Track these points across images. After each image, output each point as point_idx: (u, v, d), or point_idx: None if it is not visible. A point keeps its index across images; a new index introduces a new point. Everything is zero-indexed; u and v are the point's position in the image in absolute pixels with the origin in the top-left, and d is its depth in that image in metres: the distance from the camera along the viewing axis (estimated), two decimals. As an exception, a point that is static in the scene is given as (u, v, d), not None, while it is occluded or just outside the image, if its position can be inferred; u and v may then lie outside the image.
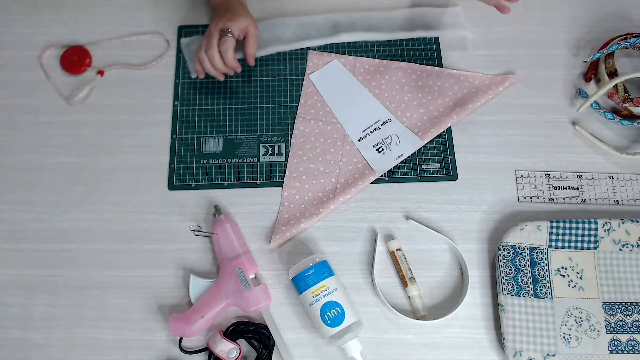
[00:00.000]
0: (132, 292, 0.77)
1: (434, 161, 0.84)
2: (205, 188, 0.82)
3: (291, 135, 0.86)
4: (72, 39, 0.92)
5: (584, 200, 0.82)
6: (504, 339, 0.72)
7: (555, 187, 0.82)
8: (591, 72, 0.88)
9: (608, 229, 0.77)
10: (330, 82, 0.89)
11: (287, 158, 0.84)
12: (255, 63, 0.90)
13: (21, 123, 0.87)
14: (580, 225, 0.77)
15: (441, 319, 0.74)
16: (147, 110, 0.87)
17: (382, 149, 0.84)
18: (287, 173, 0.83)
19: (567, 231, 0.77)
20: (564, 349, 0.72)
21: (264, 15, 0.93)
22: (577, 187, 0.82)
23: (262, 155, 0.85)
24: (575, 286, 0.75)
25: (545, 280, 0.75)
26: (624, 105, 0.84)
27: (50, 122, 0.87)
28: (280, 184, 0.82)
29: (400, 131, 0.85)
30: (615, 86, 0.85)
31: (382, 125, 0.85)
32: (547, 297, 0.75)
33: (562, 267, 0.76)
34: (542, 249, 0.77)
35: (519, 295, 0.74)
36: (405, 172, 0.83)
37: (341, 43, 0.92)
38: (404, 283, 0.76)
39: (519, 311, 0.74)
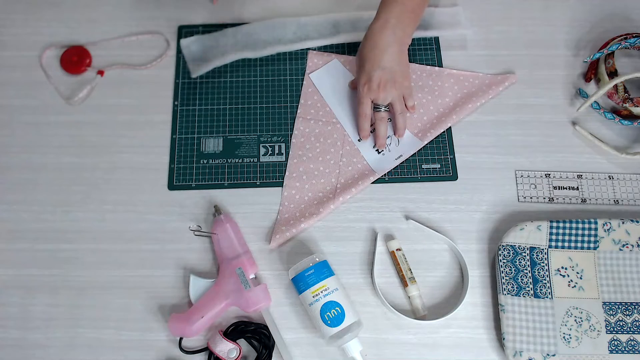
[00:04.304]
0: (132, 292, 0.77)
1: (434, 161, 0.84)
2: (205, 188, 0.82)
3: (291, 135, 0.86)
4: (72, 39, 0.92)
5: (584, 200, 0.82)
6: (504, 339, 0.72)
7: (555, 187, 0.82)
8: (591, 72, 0.88)
9: (608, 229, 0.77)
10: (330, 81, 0.89)
11: (287, 158, 0.84)
12: (256, 63, 0.90)
13: (21, 123, 0.87)
14: (580, 225, 0.77)
15: (441, 319, 0.74)
16: (147, 110, 0.87)
17: (382, 150, 0.84)
18: (287, 173, 0.83)
19: (567, 231, 0.77)
20: (564, 349, 0.72)
21: (264, 16, 0.93)
22: (577, 187, 0.82)
23: (262, 155, 0.85)
24: (575, 286, 0.75)
25: (545, 280, 0.75)
26: (624, 105, 0.84)
27: (50, 122, 0.87)
28: (280, 184, 0.82)
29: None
30: (615, 86, 0.85)
31: (382, 125, 0.86)
32: (547, 297, 0.75)
33: (562, 267, 0.76)
34: (542, 249, 0.77)
35: (519, 295, 0.74)
36: (405, 172, 0.83)
37: (341, 43, 0.92)
38: (404, 283, 0.76)
39: (519, 311, 0.74)
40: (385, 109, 0.82)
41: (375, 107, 0.82)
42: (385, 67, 0.79)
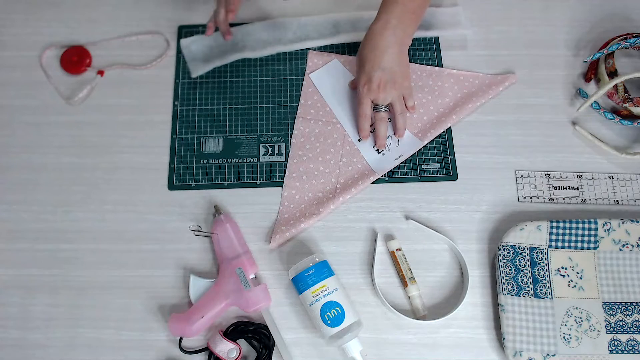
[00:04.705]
0: (132, 292, 0.77)
1: (434, 161, 0.84)
2: (205, 188, 0.82)
3: (291, 135, 0.86)
4: (72, 39, 0.92)
5: (584, 200, 0.82)
6: (504, 339, 0.72)
7: (555, 187, 0.82)
8: (591, 72, 0.88)
9: (608, 229, 0.77)
10: (330, 81, 0.89)
11: (287, 158, 0.84)
12: (256, 63, 0.90)
13: (21, 123, 0.87)
14: (580, 225, 0.77)
15: (441, 319, 0.74)
16: (147, 110, 0.87)
17: (382, 150, 0.84)
18: (287, 173, 0.83)
19: (567, 231, 0.77)
20: (564, 349, 0.72)
21: (264, 16, 0.93)
22: (577, 187, 0.82)
23: (262, 155, 0.85)
24: (575, 286, 0.75)
25: (545, 280, 0.75)
26: (624, 105, 0.84)
27: (50, 122, 0.87)
28: (280, 184, 0.82)
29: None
30: (615, 86, 0.85)
31: (381, 125, 0.86)
32: (547, 297, 0.75)
33: (562, 267, 0.76)
34: (542, 249, 0.77)
35: (519, 295, 0.74)
36: (405, 172, 0.83)
37: (341, 43, 0.92)
38: (404, 283, 0.76)
39: (519, 311, 0.74)
40: (385, 109, 0.82)
41: (375, 108, 0.82)
42: (385, 68, 0.79)
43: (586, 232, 0.77)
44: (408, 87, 0.83)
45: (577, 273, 0.76)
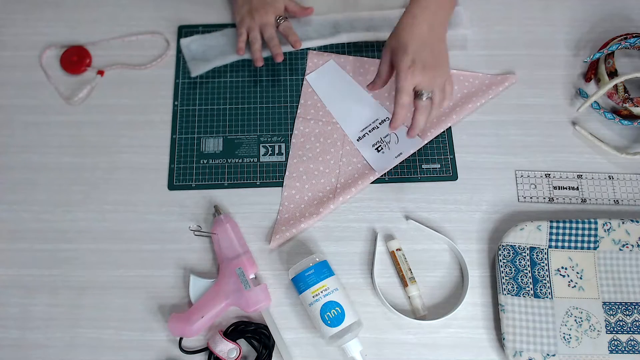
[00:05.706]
0: (132, 292, 0.77)
1: (434, 161, 0.84)
2: (205, 188, 0.82)
3: (291, 135, 0.86)
4: (72, 39, 0.92)
5: (584, 200, 0.82)
6: (504, 339, 0.72)
7: (555, 187, 0.82)
8: (591, 72, 0.88)
9: (608, 229, 0.77)
10: (326, 82, 0.89)
11: (287, 158, 0.84)
12: (255, 63, 0.90)
13: (21, 123, 0.87)
14: (580, 225, 0.77)
15: (441, 319, 0.74)
16: (147, 110, 0.87)
17: (382, 148, 0.84)
18: (287, 173, 0.83)
19: (567, 231, 0.77)
20: (564, 349, 0.72)
21: (264, 15, 0.93)
22: (577, 187, 0.82)
23: (262, 155, 0.85)
24: (575, 286, 0.75)
25: (545, 280, 0.75)
26: (624, 105, 0.84)
27: (50, 122, 0.87)
28: (280, 184, 0.82)
29: (399, 130, 0.85)
30: (615, 86, 0.85)
31: (380, 124, 0.85)
32: (547, 297, 0.75)
33: (562, 267, 0.76)
34: (542, 249, 0.77)
35: (519, 295, 0.74)
36: (405, 172, 0.83)
37: (341, 43, 0.92)
38: (404, 283, 0.76)
39: (519, 311, 0.74)
40: (428, 96, 0.73)
41: (417, 95, 0.73)
42: (433, 50, 0.72)
43: (586, 232, 0.77)
44: (450, 77, 0.76)
45: (577, 273, 0.76)
